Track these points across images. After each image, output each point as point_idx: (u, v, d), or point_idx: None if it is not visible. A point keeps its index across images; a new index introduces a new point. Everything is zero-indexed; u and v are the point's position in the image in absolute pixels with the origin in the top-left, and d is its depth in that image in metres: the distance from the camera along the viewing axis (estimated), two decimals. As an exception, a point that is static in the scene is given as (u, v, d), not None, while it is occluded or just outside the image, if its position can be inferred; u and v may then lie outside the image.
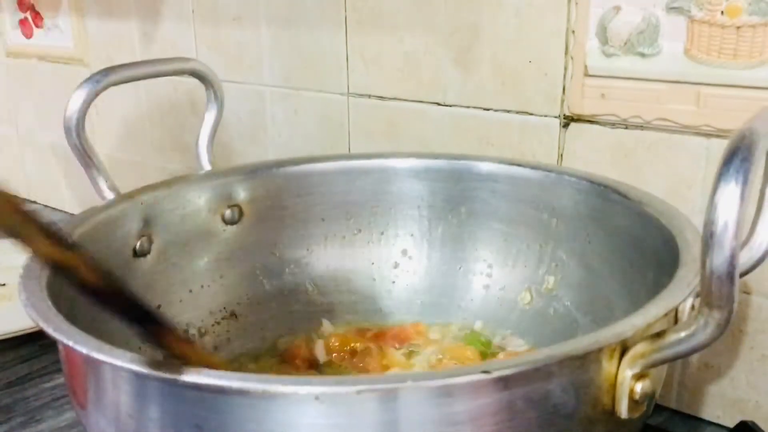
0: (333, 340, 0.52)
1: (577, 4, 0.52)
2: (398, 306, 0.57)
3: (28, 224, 0.27)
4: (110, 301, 0.30)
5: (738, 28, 0.46)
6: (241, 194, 0.56)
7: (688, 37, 0.48)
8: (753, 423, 0.46)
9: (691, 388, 0.53)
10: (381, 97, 0.65)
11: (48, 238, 0.27)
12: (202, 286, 0.54)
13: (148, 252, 0.50)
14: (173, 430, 0.30)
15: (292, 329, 0.55)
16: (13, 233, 0.26)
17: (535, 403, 0.29)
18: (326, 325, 0.55)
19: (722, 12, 0.46)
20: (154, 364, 0.28)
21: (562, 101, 0.54)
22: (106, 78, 0.50)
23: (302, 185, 0.57)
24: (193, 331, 0.52)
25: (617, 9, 0.50)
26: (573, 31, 0.53)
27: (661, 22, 0.48)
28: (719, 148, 0.48)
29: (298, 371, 0.49)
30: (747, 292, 0.49)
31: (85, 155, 0.50)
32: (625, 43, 0.50)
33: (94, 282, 0.29)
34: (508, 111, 0.57)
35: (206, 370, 0.28)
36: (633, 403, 0.31)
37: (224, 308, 0.54)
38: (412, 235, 0.58)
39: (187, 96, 0.81)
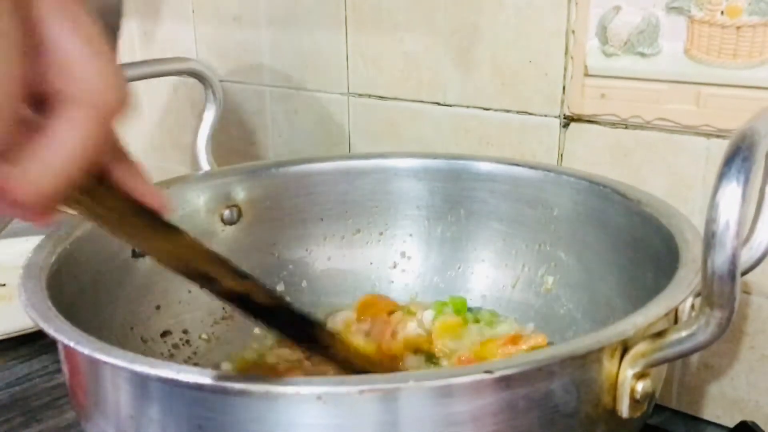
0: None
1: (577, 4, 0.52)
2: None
3: (220, 267, 0.30)
4: (282, 318, 0.33)
5: (738, 28, 0.46)
6: (240, 194, 0.56)
7: (688, 37, 0.48)
8: (753, 423, 0.46)
9: (691, 388, 0.53)
10: (381, 97, 0.65)
11: (231, 274, 0.31)
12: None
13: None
14: (174, 431, 0.30)
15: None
16: (205, 276, 0.30)
17: (537, 402, 0.29)
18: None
19: (722, 12, 0.46)
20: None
21: (562, 101, 0.54)
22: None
23: (301, 185, 0.57)
24: (192, 331, 0.52)
25: (617, 9, 0.50)
26: (573, 31, 0.53)
27: (661, 22, 0.48)
28: (719, 148, 0.48)
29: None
30: (747, 292, 0.49)
31: (84, 155, 0.50)
32: (625, 43, 0.50)
33: (267, 302, 0.32)
34: (508, 111, 0.57)
35: (207, 370, 0.28)
36: (634, 402, 0.31)
37: (223, 308, 0.54)
38: (411, 235, 0.58)
39: (186, 96, 0.81)
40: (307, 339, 0.35)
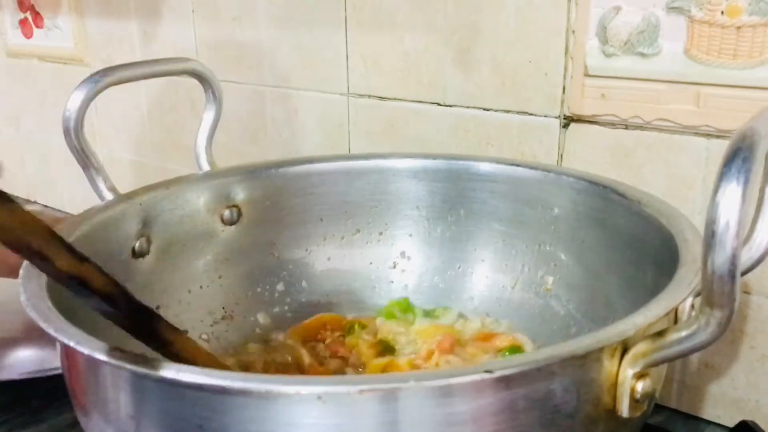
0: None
1: (577, 4, 0.52)
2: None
3: (53, 242, 0.28)
4: (119, 306, 0.32)
5: (738, 28, 0.46)
6: (240, 195, 0.56)
7: (688, 37, 0.48)
8: (753, 423, 0.46)
9: (691, 387, 0.53)
10: (381, 97, 0.65)
11: (69, 253, 0.28)
12: (200, 287, 0.54)
13: (147, 252, 0.50)
14: (174, 431, 0.30)
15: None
16: (37, 254, 0.27)
17: (537, 402, 0.29)
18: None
19: (722, 12, 0.46)
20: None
21: (562, 101, 0.54)
22: (105, 78, 0.50)
23: (301, 185, 0.57)
24: (191, 331, 0.52)
25: (617, 9, 0.50)
26: (573, 31, 0.53)
27: (661, 22, 0.49)
28: (719, 148, 0.48)
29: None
30: (747, 292, 0.49)
31: (83, 155, 0.50)
32: (625, 43, 0.50)
33: (105, 290, 0.31)
34: (508, 111, 0.57)
35: (208, 370, 0.28)
36: (634, 402, 0.31)
37: (223, 308, 0.54)
38: (410, 235, 0.58)
39: (187, 96, 0.81)
40: (146, 333, 0.34)
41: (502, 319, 0.54)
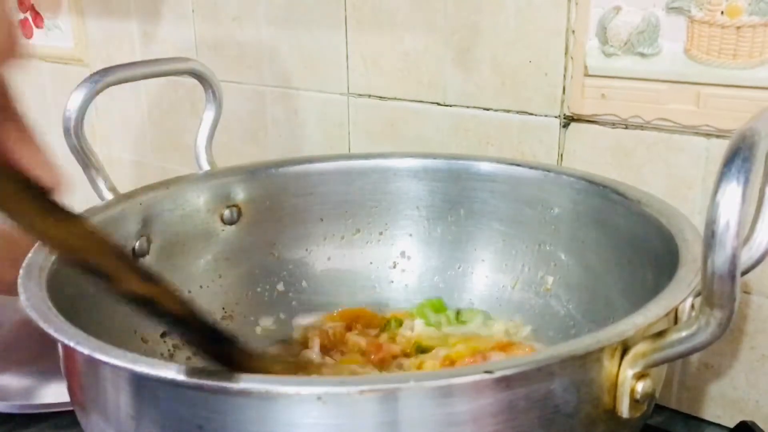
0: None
1: (577, 4, 0.52)
2: (397, 306, 0.57)
3: (123, 264, 0.26)
4: (190, 326, 0.30)
5: (738, 28, 0.46)
6: (240, 194, 0.56)
7: (688, 37, 0.48)
8: (753, 423, 0.46)
9: (691, 388, 0.53)
10: (381, 97, 0.65)
11: (138, 274, 0.27)
12: (201, 287, 0.54)
13: (147, 252, 0.50)
14: (174, 431, 0.30)
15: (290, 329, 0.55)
16: (103, 274, 0.26)
17: (537, 402, 0.29)
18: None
19: (722, 12, 0.46)
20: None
21: (562, 101, 0.54)
22: (105, 78, 0.50)
23: (301, 185, 0.57)
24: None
25: (617, 9, 0.50)
26: (573, 31, 0.53)
27: (661, 22, 0.48)
28: (719, 148, 0.48)
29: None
30: (747, 292, 0.49)
31: (83, 155, 0.50)
32: (625, 43, 0.50)
33: (177, 312, 0.29)
34: (508, 111, 0.57)
35: (206, 371, 0.28)
36: (634, 402, 0.31)
37: (223, 308, 0.54)
38: (410, 235, 0.58)
39: (187, 96, 0.81)
40: (220, 355, 0.32)
41: (526, 324, 0.53)
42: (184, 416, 0.29)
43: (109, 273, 0.26)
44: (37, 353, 0.54)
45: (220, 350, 0.32)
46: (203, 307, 0.52)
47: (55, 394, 0.53)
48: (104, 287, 0.27)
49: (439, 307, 0.55)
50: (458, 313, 0.55)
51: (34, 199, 0.23)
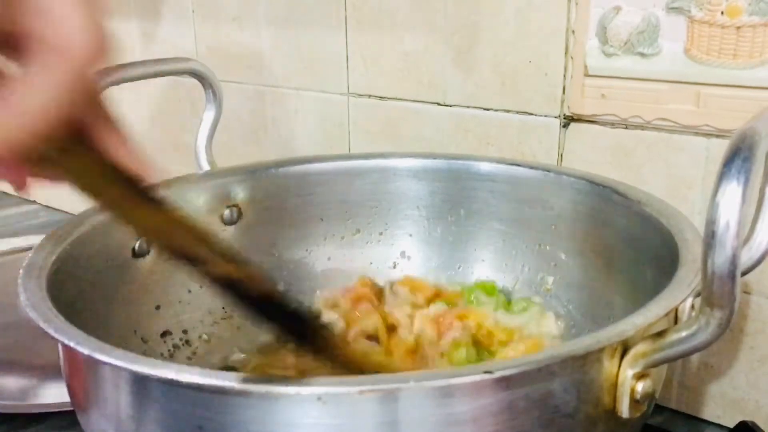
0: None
1: (577, 4, 0.52)
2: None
3: (211, 247, 0.27)
4: (274, 307, 0.30)
5: (738, 28, 0.46)
6: (240, 194, 0.55)
7: (688, 37, 0.48)
8: (753, 423, 0.46)
9: (691, 388, 0.53)
10: (381, 97, 0.65)
11: (225, 256, 0.28)
12: (201, 287, 0.54)
13: (148, 252, 0.50)
14: (174, 431, 0.30)
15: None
16: (192, 258, 0.27)
17: (537, 403, 0.29)
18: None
19: (722, 12, 0.46)
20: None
21: (562, 101, 0.54)
22: (105, 78, 0.50)
23: (301, 185, 0.57)
24: (191, 331, 0.52)
25: (617, 9, 0.50)
26: (573, 31, 0.53)
27: (661, 22, 0.48)
28: (719, 148, 0.48)
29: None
30: (747, 292, 0.49)
31: (84, 155, 0.50)
32: (625, 43, 0.50)
33: (261, 291, 0.30)
34: (508, 111, 0.57)
35: (207, 371, 0.28)
36: (634, 402, 0.31)
37: (223, 308, 0.54)
38: (410, 235, 0.58)
39: (187, 96, 0.81)
40: (302, 337, 0.32)
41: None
42: (184, 416, 0.29)
43: (199, 257, 0.27)
44: (37, 353, 0.54)
45: (306, 333, 0.32)
46: (204, 307, 0.53)
47: (55, 394, 0.53)
48: (195, 271, 0.27)
49: (491, 290, 0.53)
50: (511, 303, 0.53)
51: (132, 191, 0.25)
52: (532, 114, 0.56)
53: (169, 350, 0.50)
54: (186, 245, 0.27)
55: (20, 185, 0.23)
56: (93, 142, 0.24)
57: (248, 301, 0.30)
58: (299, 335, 0.32)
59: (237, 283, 0.29)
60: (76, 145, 0.24)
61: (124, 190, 0.25)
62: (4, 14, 0.20)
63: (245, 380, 0.27)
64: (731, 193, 0.26)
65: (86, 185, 0.25)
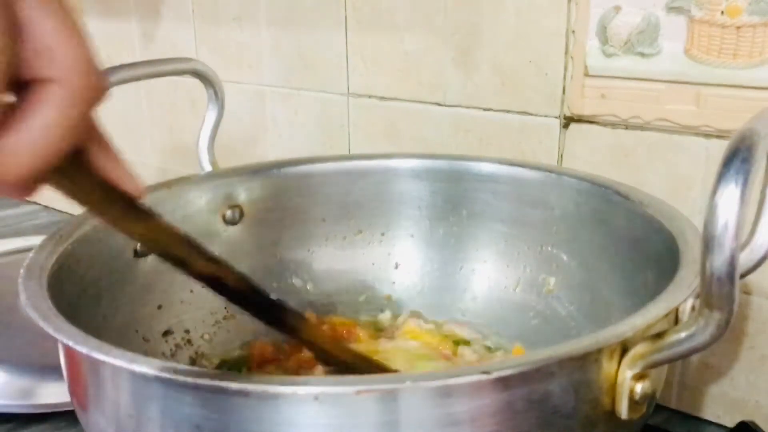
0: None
1: (577, 4, 0.52)
2: (399, 307, 0.57)
3: (192, 250, 0.33)
4: (249, 297, 0.36)
5: (738, 28, 0.46)
6: (242, 195, 0.56)
7: (688, 37, 0.48)
8: (753, 423, 0.46)
9: (691, 388, 0.53)
10: (381, 97, 0.65)
11: (205, 258, 0.33)
12: (202, 287, 0.54)
13: (149, 252, 0.50)
14: (173, 431, 0.30)
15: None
16: (180, 260, 0.32)
17: (535, 403, 0.29)
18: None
19: (722, 12, 0.46)
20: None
21: (562, 101, 0.54)
22: (108, 78, 0.50)
23: (303, 186, 0.57)
24: (192, 331, 0.52)
25: (617, 9, 0.50)
26: (573, 31, 0.53)
27: (661, 22, 0.48)
28: (719, 148, 0.48)
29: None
30: (747, 293, 0.49)
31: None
32: (625, 43, 0.50)
33: (238, 286, 0.35)
34: (508, 111, 0.57)
35: (207, 370, 0.28)
36: (633, 403, 0.31)
37: (225, 308, 0.54)
38: (412, 235, 0.58)
39: (187, 96, 0.81)
40: (276, 321, 0.37)
41: (503, 319, 0.53)
42: (183, 416, 0.29)
43: (182, 258, 0.32)
44: (37, 353, 0.54)
45: (275, 316, 0.37)
46: (205, 307, 0.53)
47: (55, 394, 0.53)
48: (180, 269, 0.33)
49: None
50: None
51: (124, 205, 0.29)
52: (532, 114, 0.56)
53: (170, 350, 0.50)
54: (174, 248, 0.32)
55: (23, 198, 0.26)
56: (89, 165, 0.27)
57: (230, 295, 0.35)
58: (279, 323, 0.38)
59: (218, 280, 0.34)
60: (75, 168, 0.26)
61: (119, 206, 0.29)
62: (12, 59, 0.22)
63: (243, 380, 0.27)
64: (730, 194, 0.26)
65: (85, 202, 0.28)
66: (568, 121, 0.55)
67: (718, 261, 0.26)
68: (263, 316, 0.37)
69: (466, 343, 0.53)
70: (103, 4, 0.87)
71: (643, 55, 0.50)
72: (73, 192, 0.27)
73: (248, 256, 0.56)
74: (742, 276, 0.37)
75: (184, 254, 0.32)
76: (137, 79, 0.53)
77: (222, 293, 0.34)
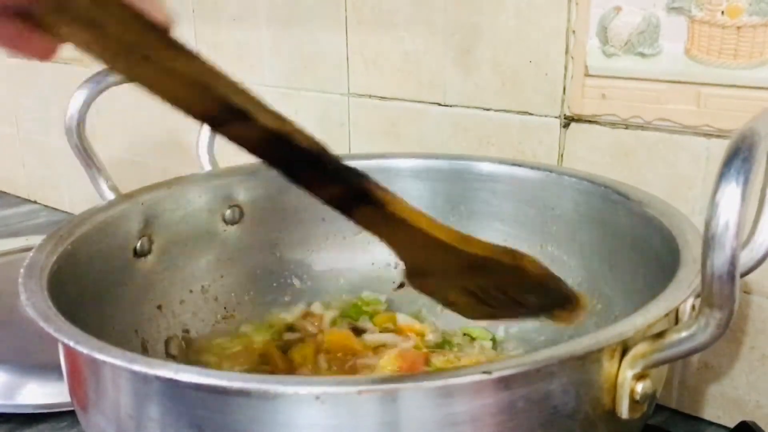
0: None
1: (577, 4, 0.52)
2: (399, 307, 0.57)
3: (250, 97, 0.25)
4: (325, 165, 0.28)
5: (738, 28, 0.46)
6: (242, 194, 0.56)
7: (688, 37, 0.48)
8: (753, 423, 0.46)
9: (691, 388, 0.53)
10: (381, 97, 0.65)
11: (267, 109, 0.25)
12: (202, 286, 0.54)
13: (149, 252, 0.50)
14: (173, 431, 0.30)
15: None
16: (238, 111, 0.25)
17: (536, 403, 0.29)
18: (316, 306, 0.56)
19: (723, 12, 0.46)
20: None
21: (563, 101, 0.54)
22: (106, 78, 0.50)
23: (303, 185, 0.57)
24: (193, 331, 0.52)
25: (618, 9, 0.50)
26: (573, 31, 0.53)
27: (661, 22, 0.48)
28: (719, 148, 0.48)
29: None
30: (747, 292, 0.49)
31: (85, 155, 0.51)
32: (626, 43, 0.50)
33: (308, 147, 0.27)
34: (508, 111, 0.57)
35: (206, 371, 0.28)
36: (633, 403, 0.31)
37: (225, 308, 0.54)
38: (413, 235, 0.58)
39: (187, 96, 0.81)
40: (357, 194, 0.30)
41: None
42: (183, 416, 0.29)
43: (241, 109, 0.25)
44: (37, 353, 0.54)
45: (356, 188, 0.30)
46: (205, 307, 0.53)
47: (55, 394, 0.53)
48: (235, 128, 0.25)
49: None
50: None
51: (154, 36, 0.23)
52: (532, 114, 0.56)
53: (170, 350, 0.50)
54: (231, 95, 0.25)
55: (42, 53, 0.22)
56: None
57: (297, 157, 0.27)
58: (361, 197, 0.30)
59: (285, 137, 0.26)
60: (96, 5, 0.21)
61: (151, 38, 0.23)
62: None
63: (244, 380, 0.27)
64: (730, 193, 0.26)
65: (113, 37, 0.22)
66: (568, 120, 0.55)
67: (719, 260, 0.26)
68: (340, 189, 0.29)
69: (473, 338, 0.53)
70: (102, 4, 0.87)
71: (643, 55, 0.50)
72: (96, 22, 0.22)
73: (248, 255, 0.56)
74: (743, 275, 0.37)
75: (244, 102, 0.24)
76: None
77: (287, 162, 0.27)
